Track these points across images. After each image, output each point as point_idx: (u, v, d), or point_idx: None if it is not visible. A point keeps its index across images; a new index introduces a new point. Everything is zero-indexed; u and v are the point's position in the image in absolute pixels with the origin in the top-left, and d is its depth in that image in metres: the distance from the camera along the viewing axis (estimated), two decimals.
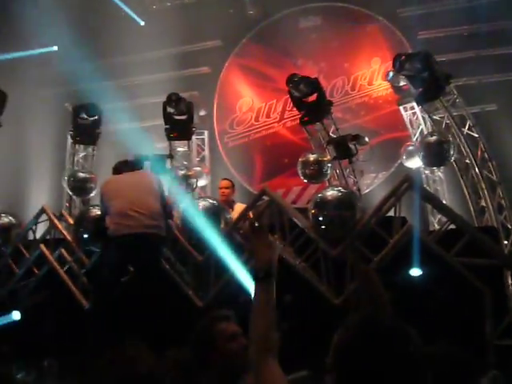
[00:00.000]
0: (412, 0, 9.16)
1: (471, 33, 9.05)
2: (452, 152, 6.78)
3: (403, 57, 7.05)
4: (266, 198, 5.50)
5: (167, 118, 7.74)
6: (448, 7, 9.00)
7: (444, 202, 7.15)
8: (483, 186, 6.85)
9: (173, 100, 7.73)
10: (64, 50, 9.93)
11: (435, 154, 6.87)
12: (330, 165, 7.31)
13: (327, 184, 7.35)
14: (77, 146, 8.23)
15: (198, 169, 8.41)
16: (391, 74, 7.51)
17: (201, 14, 10.02)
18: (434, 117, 7.24)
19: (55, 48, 10.22)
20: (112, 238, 4.81)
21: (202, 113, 9.71)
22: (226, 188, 6.96)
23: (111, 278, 4.91)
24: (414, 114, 8.07)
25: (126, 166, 5.23)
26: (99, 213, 5.35)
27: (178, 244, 5.45)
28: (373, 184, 9.38)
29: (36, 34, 9.30)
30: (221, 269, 5.17)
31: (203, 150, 9.75)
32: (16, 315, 5.55)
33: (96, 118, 7.98)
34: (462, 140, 6.97)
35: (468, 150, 6.94)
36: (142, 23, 10.24)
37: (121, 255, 4.80)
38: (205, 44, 10.34)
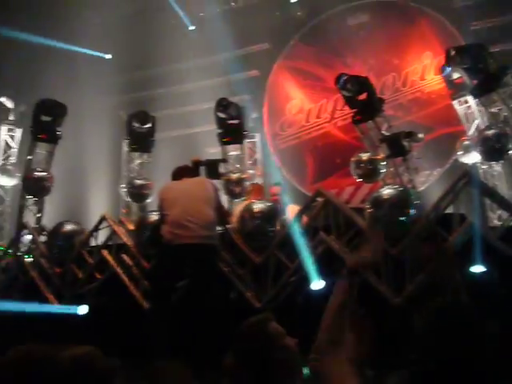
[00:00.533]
0: None
1: None
2: (511, 145, 6.59)
3: (455, 51, 6.90)
4: (319, 199, 5.50)
5: (220, 123, 7.82)
6: None
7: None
8: None
9: (223, 105, 7.80)
10: (118, 60, 10.25)
11: (493, 148, 6.69)
12: (383, 163, 7.22)
13: (381, 183, 7.26)
14: (132, 153, 8.44)
15: (252, 172, 8.49)
16: (448, 68, 7.33)
17: (248, 18, 10.11)
18: (491, 109, 7.05)
19: (109, 56, 10.57)
20: (167, 247, 4.92)
21: (254, 116, 9.76)
22: (278, 195, 7.04)
23: (166, 283, 5.02)
24: (469, 107, 7.88)
25: (185, 172, 5.33)
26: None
27: (235, 246, 5.52)
28: (428, 181, 9.21)
29: (92, 40, 9.67)
30: (279, 270, 5.23)
31: (255, 152, 9.82)
32: (83, 309, 5.80)
33: (150, 125, 8.15)
34: None
35: None
36: (192, 27, 10.42)
37: (175, 263, 4.91)
38: (253, 48, 10.41)
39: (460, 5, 9.05)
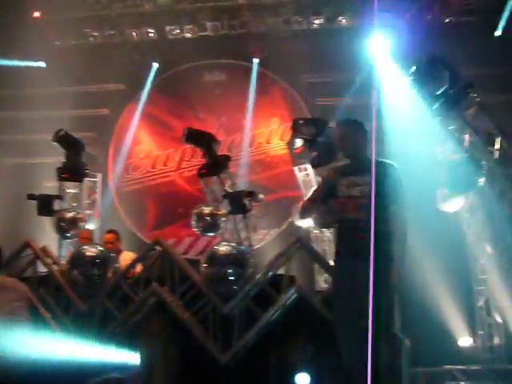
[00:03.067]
0: (314, 68, 9.64)
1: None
2: None
3: (301, 121, 7.36)
4: (157, 248, 5.41)
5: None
6: (345, 78, 9.63)
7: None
8: None
9: (60, 136, 7.33)
10: None
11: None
12: (224, 218, 7.33)
13: (220, 237, 7.35)
14: None
15: (89, 212, 8.12)
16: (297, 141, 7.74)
17: (105, 57, 9.92)
18: None
19: None
20: None
21: (98, 154, 9.39)
22: (111, 243, 6.76)
23: None
24: (308, 175, 8.35)
25: None
26: None
27: (61, 292, 5.16)
28: (264, 240, 9.54)
29: None
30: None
31: (95, 192, 9.39)
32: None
33: None
34: None
35: None
36: (43, 65, 9.99)
37: None
38: (106, 86, 10.19)
39: (310, 80, 9.75)
